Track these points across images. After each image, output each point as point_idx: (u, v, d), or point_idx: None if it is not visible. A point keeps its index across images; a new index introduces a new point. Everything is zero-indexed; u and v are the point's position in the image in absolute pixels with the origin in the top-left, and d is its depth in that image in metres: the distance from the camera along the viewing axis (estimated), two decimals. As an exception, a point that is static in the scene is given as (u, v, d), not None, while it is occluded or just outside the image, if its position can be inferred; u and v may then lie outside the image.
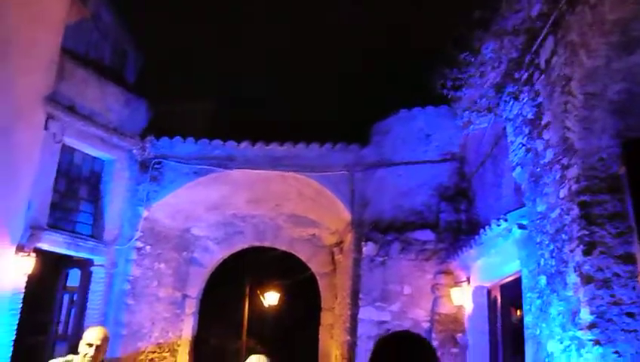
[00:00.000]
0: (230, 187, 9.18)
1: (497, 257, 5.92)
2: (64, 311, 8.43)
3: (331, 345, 9.69)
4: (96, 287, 8.28)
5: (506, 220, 5.19)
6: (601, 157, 3.93)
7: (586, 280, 3.75)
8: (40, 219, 7.41)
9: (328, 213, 9.28)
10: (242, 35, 9.01)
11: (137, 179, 8.82)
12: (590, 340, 3.65)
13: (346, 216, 8.59)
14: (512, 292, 6.00)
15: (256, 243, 10.69)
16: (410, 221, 7.89)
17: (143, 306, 8.85)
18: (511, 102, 5.34)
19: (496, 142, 6.55)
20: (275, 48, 8.95)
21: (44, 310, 8.29)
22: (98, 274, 8.31)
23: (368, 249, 7.83)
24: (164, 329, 9.29)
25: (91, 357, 3.84)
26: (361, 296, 7.76)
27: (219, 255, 10.46)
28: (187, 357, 9.76)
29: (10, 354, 6.84)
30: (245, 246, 10.65)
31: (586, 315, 3.72)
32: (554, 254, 4.29)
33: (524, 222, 4.98)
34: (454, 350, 6.95)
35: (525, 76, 5.00)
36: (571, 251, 3.97)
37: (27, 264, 7.03)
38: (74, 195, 8.37)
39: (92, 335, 3.90)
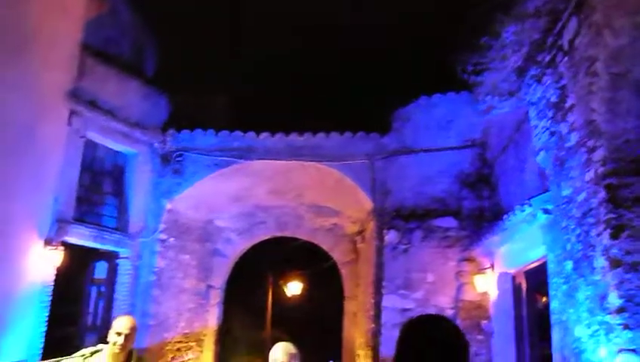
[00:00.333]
0: (251, 178, 9.23)
1: (522, 243, 5.86)
2: (92, 303, 8.59)
3: (355, 333, 9.72)
4: (123, 279, 8.41)
5: (530, 205, 5.13)
6: (628, 139, 3.86)
7: (614, 263, 3.70)
8: (66, 212, 7.53)
9: (349, 201, 9.28)
10: (260, 23, 9.00)
11: (159, 172, 8.91)
12: (619, 324, 3.61)
13: (368, 204, 8.58)
14: (537, 278, 5.95)
15: (278, 234, 10.74)
16: (432, 208, 7.86)
17: (169, 297, 8.97)
18: (533, 86, 5.26)
19: (519, 127, 6.47)
20: (293, 37, 8.93)
21: (73, 302, 8.46)
22: (124, 266, 8.44)
23: (390, 237, 7.82)
24: (189, 320, 9.42)
25: (120, 345, 3.90)
26: (384, 283, 7.77)
27: (241, 246, 10.54)
28: (213, 347, 9.88)
29: (42, 346, 7.00)
30: (267, 236, 10.71)
31: (614, 299, 3.67)
32: (580, 238, 4.23)
33: (549, 207, 4.92)
34: (479, 337, 6.92)
35: (548, 58, 4.92)
36: (598, 235, 3.91)
37: (55, 257, 7.17)
38: (98, 189, 8.50)
39: (121, 324, 3.96)
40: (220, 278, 10.22)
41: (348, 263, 10.46)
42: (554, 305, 4.80)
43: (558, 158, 4.75)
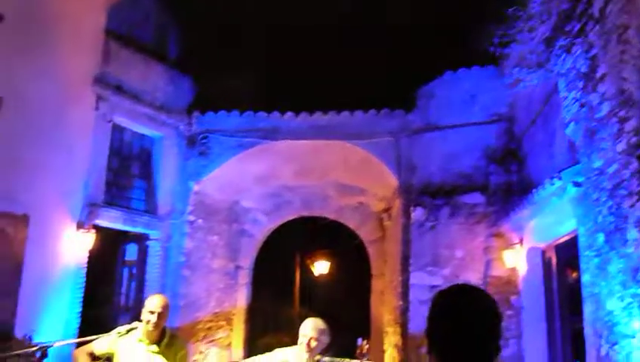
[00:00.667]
0: (276, 158, 9.26)
1: (551, 217, 5.78)
2: (124, 285, 8.79)
3: (383, 310, 9.77)
4: (153, 261, 8.57)
5: (560, 178, 5.05)
6: (661, 108, 3.75)
7: (648, 235, 3.63)
8: (97, 196, 7.69)
9: (375, 180, 9.26)
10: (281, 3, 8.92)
11: (186, 154, 9.01)
12: (653, 296, 3.55)
13: (393, 182, 8.55)
14: (568, 252, 5.88)
15: (305, 214, 10.78)
16: (459, 185, 7.79)
17: (199, 277, 9.12)
18: (562, 56, 5.13)
19: (547, 100, 6.34)
20: (315, 14, 8.82)
21: (106, 284, 8.67)
22: (154, 248, 8.59)
23: (417, 214, 7.79)
24: (219, 299, 9.57)
25: (154, 323, 3.99)
26: (411, 261, 7.76)
27: (268, 226, 10.62)
28: (243, 326, 10.04)
29: (78, 326, 7.21)
30: (294, 216, 10.76)
31: (648, 271, 3.60)
32: (612, 210, 4.16)
33: (580, 180, 4.83)
34: (509, 312, 6.88)
35: (577, 28, 4.78)
36: (631, 206, 3.83)
37: (88, 240, 7.35)
38: (127, 172, 8.64)
39: (153, 302, 4.05)
40: (247, 258, 10.33)
41: (375, 241, 10.46)
42: (585, 278, 4.74)
43: (588, 130, 4.65)
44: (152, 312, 4.00)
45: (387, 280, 9.64)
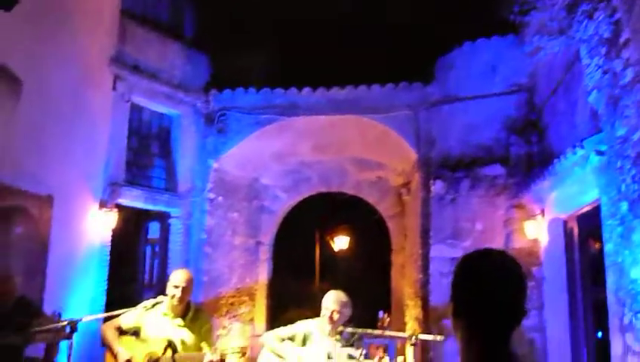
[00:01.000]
0: (294, 135, 9.25)
1: (574, 187, 5.72)
2: (148, 262, 8.94)
3: (403, 284, 9.81)
4: (175, 238, 8.69)
5: (582, 147, 4.97)
6: (688, 72, 3.66)
7: (673, 202, 3.57)
8: (118, 175, 7.78)
9: (394, 154, 9.21)
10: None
11: (204, 132, 9.04)
12: (678, 264, 3.51)
13: (412, 155, 8.50)
14: (590, 222, 5.81)
15: (323, 189, 10.79)
16: (478, 157, 7.72)
17: (220, 254, 9.24)
18: (585, 22, 5.01)
19: (569, 68, 6.21)
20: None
21: (130, 261, 8.82)
22: (176, 225, 8.70)
23: (437, 187, 7.75)
24: (241, 275, 9.69)
25: (179, 298, 4.07)
26: (431, 234, 7.76)
27: (288, 202, 10.66)
28: (264, 301, 10.17)
29: (104, 303, 7.38)
30: (313, 192, 10.78)
31: (673, 239, 3.56)
32: (636, 179, 4.09)
33: (603, 148, 4.75)
34: (531, 283, 6.85)
35: (600, -8, 4.66)
36: (656, 174, 3.78)
37: (111, 219, 7.46)
38: (146, 151, 8.71)
39: (178, 277, 4.12)
40: (268, 235, 10.42)
41: (394, 216, 10.46)
42: (608, 247, 4.70)
43: (611, 97, 4.56)
44: (176, 286, 4.08)
45: (407, 254, 9.66)
